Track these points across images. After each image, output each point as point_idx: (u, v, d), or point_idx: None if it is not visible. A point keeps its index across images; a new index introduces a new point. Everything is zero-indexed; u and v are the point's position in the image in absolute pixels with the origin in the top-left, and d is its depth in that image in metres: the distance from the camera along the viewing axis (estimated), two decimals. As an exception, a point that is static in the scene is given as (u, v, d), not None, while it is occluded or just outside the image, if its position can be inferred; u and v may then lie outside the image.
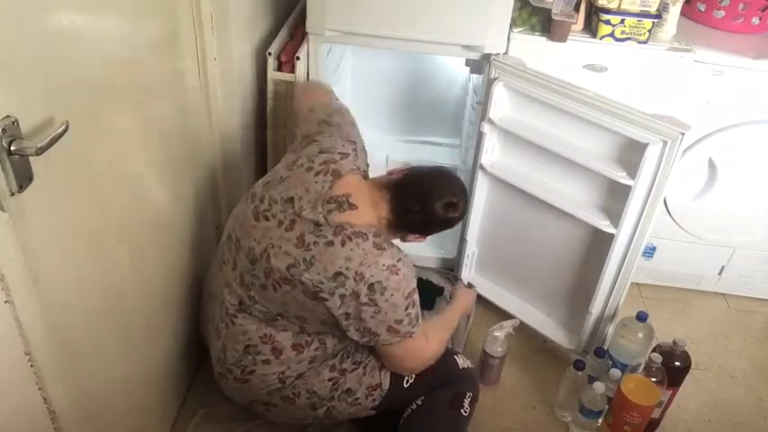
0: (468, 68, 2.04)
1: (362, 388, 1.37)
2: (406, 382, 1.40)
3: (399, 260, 1.24)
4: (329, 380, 1.35)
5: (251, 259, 1.26)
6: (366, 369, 1.38)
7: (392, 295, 1.21)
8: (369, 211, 1.26)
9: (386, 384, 1.39)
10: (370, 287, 1.20)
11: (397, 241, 1.32)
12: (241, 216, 1.31)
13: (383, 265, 1.21)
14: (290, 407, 1.36)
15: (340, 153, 1.32)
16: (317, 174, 1.27)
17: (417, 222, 1.29)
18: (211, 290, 1.43)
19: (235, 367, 1.35)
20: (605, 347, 1.69)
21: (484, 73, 1.77)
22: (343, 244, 1.19)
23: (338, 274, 1.19)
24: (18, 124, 0.80)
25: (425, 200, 1.27)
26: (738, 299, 2.16)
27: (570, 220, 1.67)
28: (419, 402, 1.41)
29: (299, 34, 1.84)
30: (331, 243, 1.19)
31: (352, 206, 1.23)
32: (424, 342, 1.35)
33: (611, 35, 1.68)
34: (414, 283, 1.27)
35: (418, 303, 1.28)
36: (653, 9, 1.66)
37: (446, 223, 1.32)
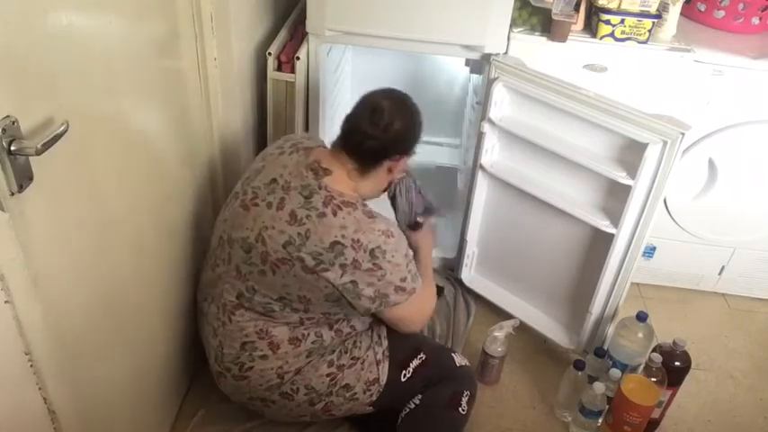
0: (468, 68, 2.04)
1: (360, 383, 1.38)
2: (404, 376, 1.41)
3: (390, 225, 1.28)
4: (327, 375, 1.35)
5: (245, 248, 1.28)
6: (364, 365, 1.38)
7: (393, 257, 1.25)
8: (340, 173, 1.29)
9: (383, 379, 1.39)
10: (371, 253, 1.23)
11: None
12: (230, 215, 1.34)
13: (378, 230, 1.24)
14: (288, 403, 1.37)
15: (303, 138, 1.42)
16: (290, 154, 1.33)
17: (368, 146, 1.27)
18: (206, 294, 1.43)
19: (232, 365, 1.35)
20: (605, 347, 1.69)
21: (484, 73, 1.77)
22: (335, 213, 1.22)
23: (335, 243, 1.21)
24: (18, 124, 0.80)
25: (351, 122, 1.29)
26: (738, 299, 2.16)
27: (570, 221, 1.67)
28: (417, 401, 1.42)
29: (299, 34, 1.84)
30: (323, 214, 1.22)
31: (327, 171, 1.28)
32: (423, 294, 1.38)
33: (611, 35, 1.68)
34: (406, 243, 1.32)
35: (413, 259, 1.34)
36: (653, 9, 1.66)
37: (385, 129, 1.26)
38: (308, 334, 1.33)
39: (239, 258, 1.30)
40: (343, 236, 1.21)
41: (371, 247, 1.23)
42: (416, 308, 1.37)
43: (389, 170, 1.35)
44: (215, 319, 1.37)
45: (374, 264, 1.23)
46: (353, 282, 1.24)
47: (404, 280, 1.29)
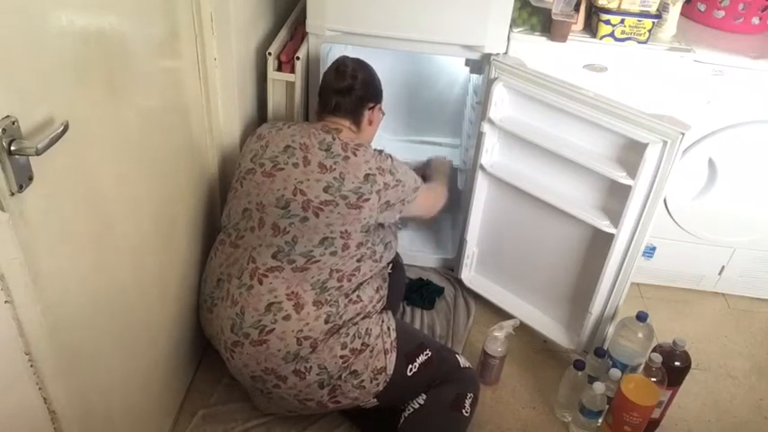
0: (468, 68, 2.04)
1: (368, 371, 1.39)
2: (410, 371, 1.43)
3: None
4: (341, 357, 1.37)
5: (282, 205, 1.41)
6: (373, 352, 1.40)
7: (402, 168, 1.53)
8: (345, 130, 1.53)
9: (390, 368, 1.41)
10: (391, 172, 1.48)
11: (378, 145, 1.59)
12: (253, 187, 1.45)
13: (387, 156, 1.52)
14: (299, 382, 1.37)
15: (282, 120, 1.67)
16: (290, 127, 1.52)
17: (344, 101, 1.53)
18: (221, 276, 1.45)
19: (252, 329, 1.36)
20: (605, 347, 1.69)
21: (484, 73, 1.77)
22: (355, 154, 1.45)
23: (368, 175, 1.44)
24: (18, 124, 0.80)
25: (325, 86, 1.57)
26: (738, 299, 2.16)
27: (570, 221, 1.67)
28: (420, 402, 1.43)
29: (299, 34, 1.84)
30: (347, 157, 1.44)
31: (337, 129, 1.51)
32: (437, 190, 1.75)
33: (611, 35, 1.68)
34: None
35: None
36: (653, 9, 1.67)
37: (353, 77, 1.55)
38: (330, 299, 1.39)
39: (275, 216, 1.41)
40: (370, 168, 1.44)
41: (389, 168, 1.48)
42: (432, 197, 1.70)
43: (370, 122, 1.59)
44: (236, 290, 1.40)
45: (396, 180, 1.49)
46: (387, 202, 1.47)
47: (416, 180, 1.57)
